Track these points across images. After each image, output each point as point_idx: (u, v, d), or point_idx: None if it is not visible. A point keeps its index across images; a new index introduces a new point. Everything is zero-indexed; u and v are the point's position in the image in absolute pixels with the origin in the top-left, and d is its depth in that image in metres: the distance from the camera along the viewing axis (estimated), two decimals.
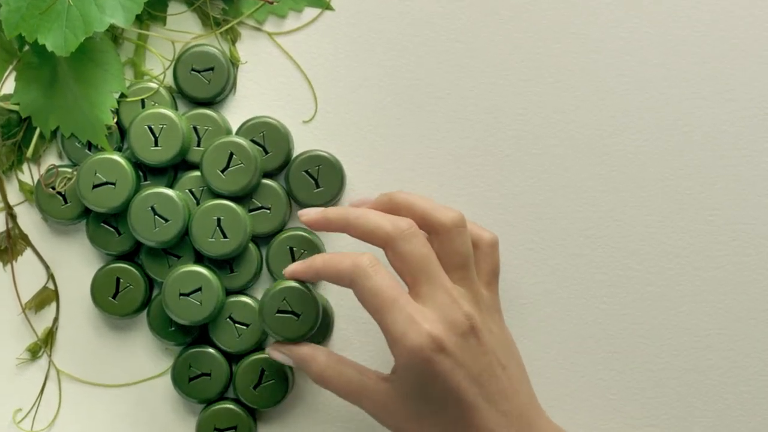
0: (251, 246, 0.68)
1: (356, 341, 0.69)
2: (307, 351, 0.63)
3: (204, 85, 0.68)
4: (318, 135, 0.70)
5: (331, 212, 0.63)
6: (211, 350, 0.68)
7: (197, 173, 0.68)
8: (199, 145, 0.68)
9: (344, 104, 0.70)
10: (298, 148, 0.69)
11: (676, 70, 0.70)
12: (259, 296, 0.69)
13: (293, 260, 0.68)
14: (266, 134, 0.68)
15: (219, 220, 0.66)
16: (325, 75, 0.70)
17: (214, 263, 0.68)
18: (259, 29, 0.70)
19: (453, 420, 0.60)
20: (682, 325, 0.69)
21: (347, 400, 0.62)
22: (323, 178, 0.68)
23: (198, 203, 0.68)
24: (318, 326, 0.65)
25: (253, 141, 0.68)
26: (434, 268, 0.61)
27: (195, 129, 0.68)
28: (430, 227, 0.62)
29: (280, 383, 0.67)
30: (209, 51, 0.68)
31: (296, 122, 0.70)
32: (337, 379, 0.62)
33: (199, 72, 0.68)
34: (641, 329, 0.69)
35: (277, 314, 0.64)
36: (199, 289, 0.66)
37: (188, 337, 0.68)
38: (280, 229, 0.69)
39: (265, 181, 0.68)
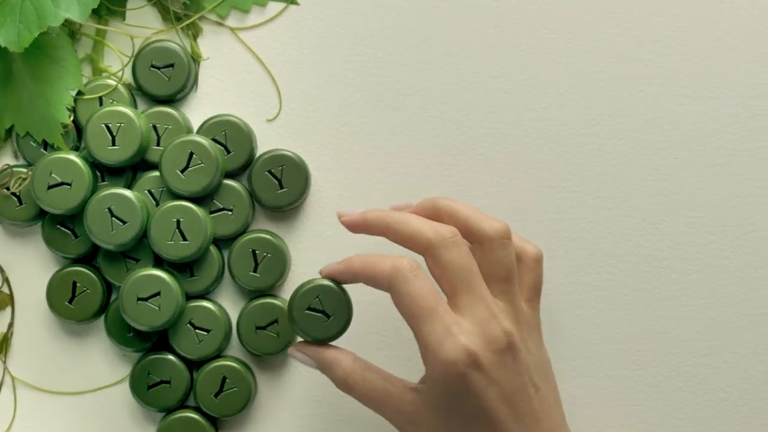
0: (212, 249, 0.66)
1: None
2: (332, 354, 0.61)
3: (164, 82, 0.66)
4: (282, 134, 0.67)
5: (371, 215, 0.61)
6: (170, 357, 0.66)
7: (156, 173, 0.66)
8: (158, 145, 0.66)
9: (309, 102, 0.67)
10: (262, 148, 0.67)
11: (655, 67, 0.67)
12: (221, 301, 0.67)
13: (256, 264, 0.65)
14: (228, 133, 0.66)
15: (178, 222, 0.64)
16: (289, 72, 0.67)
17: (174, 267, 0.66)
18: (221, 24, 0.68)
19: None
20: (659, 330, 0.67)
21: (370, 407, 0.60)
22: (287, 179, 0.66)
23: (158, 204, 0.65)
24: (346, 330, 0.62)
25: (214, 140, 0.66)
26: (475, 279, 0.59)
27: (154, 127, 0.66)
28: (473, 236, 0.60)
29: (242, 391, 0.65)
30: (169, 47, 0.66)
31: (260, 120, 0.67)
32: (362, 385, 0.60)
33: (158, 68, 0.66)
34: (617, 336, 0.67)
35: (307, 311, 0.62)
36: (158, 294, 0.64)
37: (147, 343, 0.66)
38: (243, 231, 0.66)
39: (227, 181, 0.66)
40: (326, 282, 0.62)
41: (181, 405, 0.66)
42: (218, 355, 0.66)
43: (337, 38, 0.67)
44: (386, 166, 0.67)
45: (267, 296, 0.66)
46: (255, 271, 0.66)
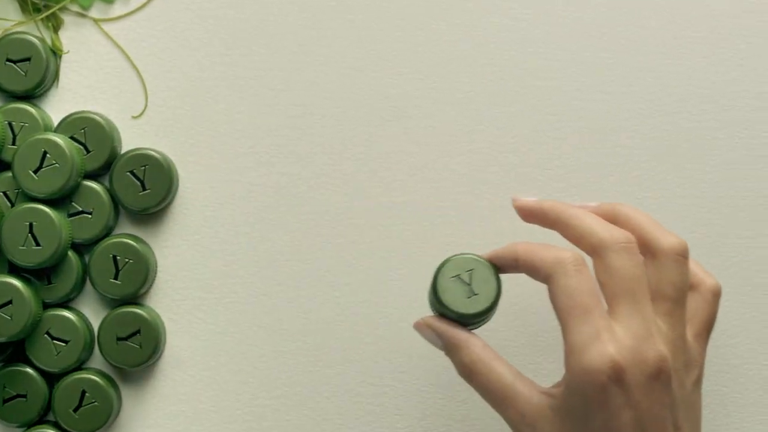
0: (71, 254, 0.62)
1: (188, 358, 0.63)
2: (463, 336, 0.56)
3: (20, 76, 0.62)
4: (148, 131, 0.64)
5: (546, 204, 0.57)
6: (27, 369, 0.62)
7: (10, 174, 0.62)
8: (14, 143, 0.62)
9: (178, 98, 0.63)
10: (127, 146, 0.63)
11: (547, 61, 0.63)
12: (83, 309, 0.63)
13: (117, 270, 0.61)
14: (88, 131, 0.62)
15: (31, 225, 0.60)
16: (156, 66, 0.63)
17: (31, 273, 0.62)
18: (83, 15, 0.64)
19: None
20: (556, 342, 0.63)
21: (489, 402, 0.55)
22: (150, 179, 0.62)
23: (13, 207, 0.62)
24: (485, 320, 0.58)
25: (73, 138, 0.62)
26: (640, 291, 0.54)
27: (10, 125, 0.62)
28: (647, 248, 0.56)
29: (102, 405, 0.61)
30: (26, 39, 0.62)
31: (124, 117, 0.63)
32: (487, 375, 0.55)
33: (14, 62, 0.62)
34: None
35: (452, 278, 0.57)
36: (10, 302, 0.60)
37: (2, 354, 0.62)
38: (104, 236, 0.62)
39: (87, 182, 0.62)
40: (484, 260, 0.57)
41: (40, 420, 0.62)
42: (79, 367, 0.62)
43: (208, 30, 0.63)
44: (259, 165, 0.63)
45: (130, 305, 0.62)
46: (116, 278, 0.62)
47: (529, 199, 0.58)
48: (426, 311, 0.58)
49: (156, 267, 0.63)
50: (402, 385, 0.63)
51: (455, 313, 0.56)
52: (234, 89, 0.63)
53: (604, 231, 0.55)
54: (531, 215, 0.58)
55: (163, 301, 0.63)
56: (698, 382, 0.56)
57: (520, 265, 0.56)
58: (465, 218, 0.63)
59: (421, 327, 0.57)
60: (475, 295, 0.57)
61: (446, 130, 0.63)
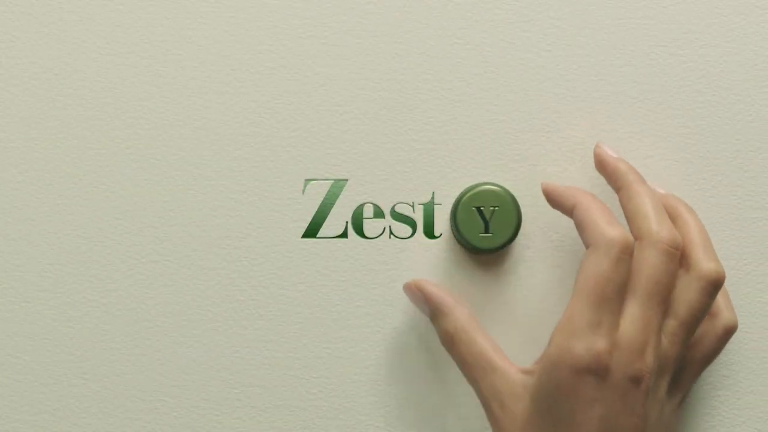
0: None
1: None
2: (449, 303, 0.57)
3: None
4: None
5: (622, 167, 0.57)
6: None
7: None
8: None
9: None
10: None
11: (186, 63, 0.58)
12: None
13: None
14: None
15: None
16: None
17: None
18: None
19: None
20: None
21: (465, 373, 0.56)
22: None
23: None
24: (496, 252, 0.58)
25: None
26: (659, 299, 0.54)
27: None
28: (685, 261, 0.56)
29: None
30: None
31: None
32: (468, 346, 0.56)
33: None
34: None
35: (473, 208, 0.57)
36: None
37: None
38: None
39: None
40: (511, 200, 0.57)
41: None
42: None
43: None
44: (15, 158, 0.58)
45: None
46: None
47: (611, 153, 0.58)
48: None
49: None
50: (174, 400, 0.58)
51: (465, 241, 0.57)
52: None
53: (659, 224, 0.55)
54: (603, 167, 0.58)
55: None
56: (676, 408, 0.56)
57: (574, 216, 0.56)
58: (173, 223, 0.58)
59: (410, 288, 0.58)
60: (489, 234, 0.57)
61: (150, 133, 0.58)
